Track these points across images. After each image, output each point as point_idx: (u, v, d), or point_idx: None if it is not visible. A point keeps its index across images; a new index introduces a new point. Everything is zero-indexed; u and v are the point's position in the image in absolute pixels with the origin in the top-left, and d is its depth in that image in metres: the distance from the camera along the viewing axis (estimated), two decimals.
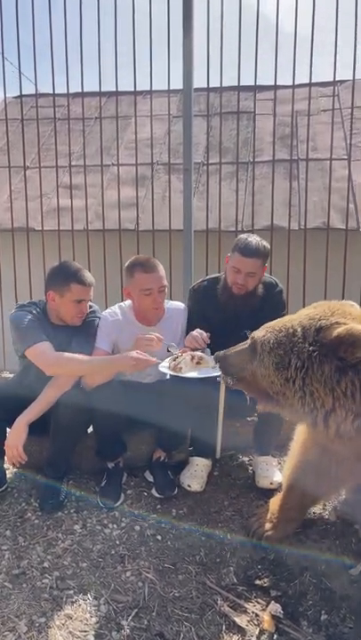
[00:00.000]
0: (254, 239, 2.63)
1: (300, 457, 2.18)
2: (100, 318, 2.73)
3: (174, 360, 2.44)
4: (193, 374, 2.37)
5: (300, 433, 2.21)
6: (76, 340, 2.61)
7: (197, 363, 2.43)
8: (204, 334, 2.55)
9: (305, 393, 1.68)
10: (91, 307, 2.72)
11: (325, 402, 1.65)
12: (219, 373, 2.34)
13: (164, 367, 2.44)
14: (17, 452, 2.37)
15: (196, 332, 2.56)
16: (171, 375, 2.42)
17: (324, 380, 1.63)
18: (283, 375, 1.73)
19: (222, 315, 2.67)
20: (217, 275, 2.90)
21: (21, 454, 2.38)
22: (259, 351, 1.84)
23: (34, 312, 2.61)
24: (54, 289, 2.56)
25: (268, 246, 2.68)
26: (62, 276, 2.56)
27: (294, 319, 1.79)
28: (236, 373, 2.00)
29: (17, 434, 2.38)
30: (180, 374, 2.37)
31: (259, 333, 1.88)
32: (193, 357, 2.43)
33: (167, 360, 2.50)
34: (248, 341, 1.96)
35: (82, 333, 2.64)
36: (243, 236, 2.68)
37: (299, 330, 1.73)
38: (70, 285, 2.53)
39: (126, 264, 2.69)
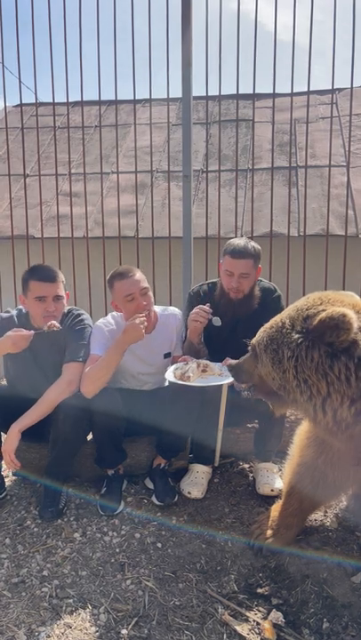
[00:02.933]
0: (243, 241, 2.65)
1: (298, 459, 2.18)
2: (91, 326, 2.69)
3: (180, 369, 2.44)
4: (201, 383, 2.37)
5: (299, 435, 2.20)
6: (69, 350, 2.59)
7: (203, 370, 2.43)
8: (206, 306, 2.56)
9: (300, 382, 1.67)
10: (79, 314, 2.68)
11: (320, 388, 1.64)
12: (225, 381, 2.35)
13: (171, 376, 2.43)
14: (9, 458, 2.36)
15: (197, 308, 2.57)
16: (179, 384, 2.40)
17: (315, 366, 1.62)
18: (280, 369, 1.73)
19: (221, 319, 2.68)
20: (216, 280, 2.90)
21: (14, 460, 2.37)
22: (258, 353, 1.86)
23: (5, 317, 2.63)
24: (22, 291, 2.58)
25: (259, 247, 2.68)
26: (25, 277, 2.57)
27: (284, 313, 1.82)
28: (247, 381, 2.02)
29: (9, 440, 2.37)
30: (188, 383, 2.36)
31: (256, 337, 1.91)
32: (199, 365, 2.43)
33: (171, 369, 2.49)
34: (250, 351, 2.00)
35: (73, 341, 2.60)
36: (232, 239, 2.71)
37: (287, 322, 1.74)
38: (29, 283, 2.52)
39: (107, 279, 2.68)
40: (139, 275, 2.60)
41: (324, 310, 1.64)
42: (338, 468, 2.00)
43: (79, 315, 2.69)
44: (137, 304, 2.56)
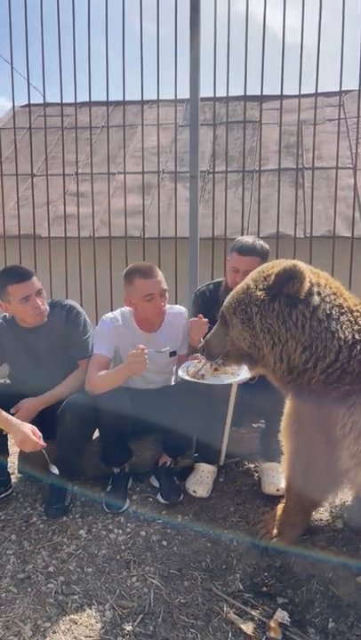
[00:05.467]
0: (251, 238, 2.69)
1: (287, 450, 2.20)
2: (82, 314, 2.72)
3: (194, 367, 2.45)
4: (214, 381, 2.37)
5: (283, 427, 2.21)
6: (78, 348, 2.64)
7: (215, 369, 2.43)
8: (200, 319, 2.61)
9: (265, 332, 1.82)
10: (71, 307, 2.70)
11: (280, 335, 1.79)
12: (238, 379, 2.35)
13: (184, 374, 2.43)
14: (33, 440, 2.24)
15: (193, 320, 2.63)
16: (189, 381, 2.40)
17: (276, 315, 1.79)
18: (249, 326, 1.87)
19: None
20: (221, 279, 2.91)
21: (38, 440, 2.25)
22: (228, 318, 1.96)
23: None
24: (0, 299, 2.56)
25: (267, 246, 2.69)
26: (0, 284, 2.53)
27: (248, 278, 1.96)
28: (220, 352, 2.09)
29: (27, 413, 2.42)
30: (202, 381, 2.37)
31: (224, 304, 2.01)
32: (212, 364, 2.44)
33: (184, 366, 2.49)
34: (218, 322, 2.09)
35: (78, 337, 2.65)
36: (241, 237, 2.73)
37: (251, 284, 1.90)
38: (7, 288, 2.51)
39: (124, 272, 2.66)
40: (161, 275, 2.61)
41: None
42: (321, 446, 2.01)
43: (72, 308, 2.70)
44: (155, 304, 2.57)
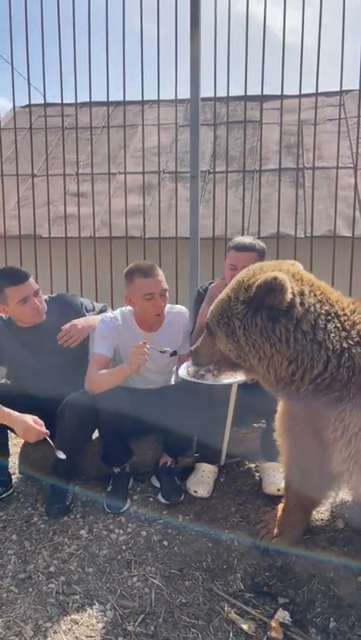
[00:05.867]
0: (248, 237, 2.72)
1: (282, 449, 2.19)
2: (73, 297, 2.82)
3: (194, 367, 2.44)
4: (214, 381, 2.37)
5: (277, 427, 2.21)
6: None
7: None
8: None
9: (250, 347, 1.78)
10: (55, 297, 2.76)
11: (265, 350, 1.75)
12: (238, 379, 2.35)
13: (184, 373, 2.43)
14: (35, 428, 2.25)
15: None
16: (190, 381, 2.40)
17: (259, 330, 1.74)
18: (233, 339, 1.84)
19: None
20: (223, 278, 2.91)
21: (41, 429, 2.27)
22: (213, 330, 1.93)
23: None
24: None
25: (264, 245, 2.70)
26: None
27: (228, 287, 1.90)
28: (209, 361, 2.09)
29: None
30: (202, 381, 2.36)
31: (208, 315, 1.97)
32: None
33: (184, 366, 2.49)
34: (204, 331, 2.06)
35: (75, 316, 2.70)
36: (238, 237, 2.77)
37: (232, 295, 1.84)
38: (5, 291, 2.51)
39: (125, 271, 2.67)
40: (161, 275, 2.61)
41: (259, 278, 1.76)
42: (314, 446, 2.00)
43: (60, 296, 2.78)
44: (154, 304, 2.57)
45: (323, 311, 1.73)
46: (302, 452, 2.08)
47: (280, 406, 2.17)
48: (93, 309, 2.88)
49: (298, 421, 2.05)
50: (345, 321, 1.75)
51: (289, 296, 1.69)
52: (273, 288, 1.67)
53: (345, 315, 1.76)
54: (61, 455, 2.35)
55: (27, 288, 2.53)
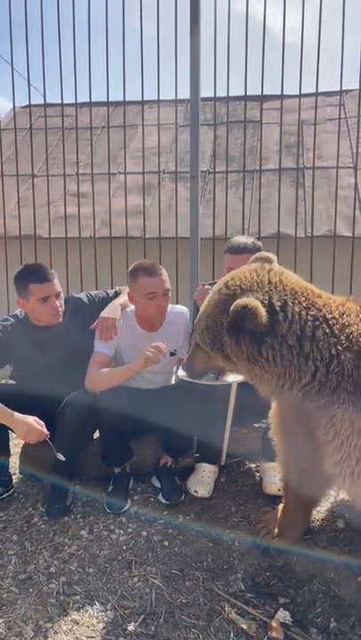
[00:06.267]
0: (242, 237, 2.70)
1: (278, 448, 2.18)
2: (80, 296, 2.83)
3: None
4: (212, 381, 2.37)
5: (272, 426, 2.21)
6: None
7: None
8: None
9: (241, 367, 1.81)
10: (67, 298, 2.76)
11: (255, 371, 1.75)
12: (238, 379, 2.34)
13: (183, 374, 2.43)
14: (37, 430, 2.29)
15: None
16: (189, 381, 2.39)
17: (247, 356, 1.72)
18: (230, 362, 1.84)
19: None
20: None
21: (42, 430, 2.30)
22: (206, 351, 1.92)
23: (7, 325, 2.63)
24: (19, 296, 2.59)
25: (260, 243, 2.69)
26: (21, 281, 2.57)
27: (211, 311, 1.85)
28: (203, 373, 2.13)
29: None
30: (201, 382, 2.36)
31: (196, 337, 1.95)
32: None
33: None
34: (194, 346, 2.05)
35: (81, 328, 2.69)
36: (233, 238, 2.75)
37: (218, 320, 1.80)
38: (29, 287, 2.53)
39: (129, 269, 2.68)
40: (165, 275, 2.61)
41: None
42: (307, 445, 1.99)
43: (71, 298, 2.78)
44: (157, 303, 2.57)
45: (309, 318, 1.70)
46: (297, 451, 2.07)
47: (274, 404, 2.16)
48: (107, 297, 2.89)
49: (291, 421, 2.05)
50: (334, 325, 1.71)
51: (265, 318, 1.65)
52: (246, 316, 1.64)
53: (334, 318, 1.72)
54: (61, 457, 2.36)
55: (50, 288, 2.55)
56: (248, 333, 1.69)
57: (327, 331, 1.69)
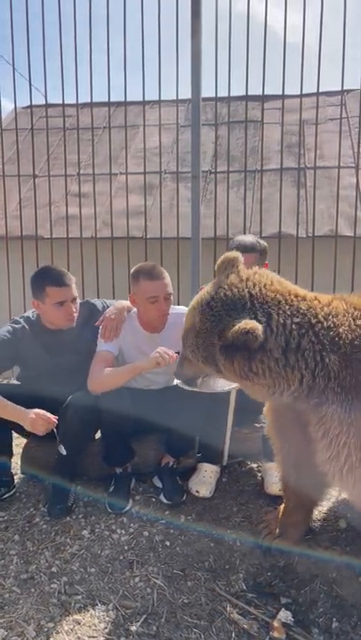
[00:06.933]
0: (248, 236, 2.70)
1: (275, 447, 2.19)
2: (94, 302, 2.83)
3: None
4: (209, 388, 2.36)
5: (267, 425, 2.22)
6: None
7: None
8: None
9: (236, 382, 1.89)
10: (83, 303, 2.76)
11: (246, 385, 1.82)
12: (234, 386, 2.34)
13: (181, 383, 2.42)
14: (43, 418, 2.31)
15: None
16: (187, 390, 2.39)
17: (237, 373, 1.75)
18: (217, 370, 1.85)
19: None
20: None
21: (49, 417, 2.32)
22: (201, 365, 1.93)
23: (17, 328, 2.63)
24: (35, 297, 2.58)
25: (265, 243, 2.70)
26: (38, 283, 2.56)
27: (199, 331, 1.83)
28: (196, 378, 2.15)
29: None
30: (199, 389, 2.35)
31: (187, 353, 1.95)
32: None
33: None
34: (185, 359, 2.03)
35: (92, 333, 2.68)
36: (238, 236, 2.75)
37: (208, 341, 1.79)
38: (46, 290, 2.52)
39: (132, 271, 2.67)
40: (167, 278, 2.61)
41: (233, 326, 1.68)
42: (302, 442, 2.00)
43: (86, 304, 2.78)
44: (158, 307, 2.56)
45: (294, 327, 1.69)
46: (293, 449, 2.08)
47: (267, 403, 2.17)
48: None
49: (284, 418, 2.06)
50: (319, 330, 1.70)
51: (260, 339, 1.65)
52: (247, 340, 1.64)
53: (319, 322, 1.71)
54: (63, 451, 2.38)
55: (67, 293, 2.55)
56: (241, 351, 1.70)
57: (313, 339, 1.69)
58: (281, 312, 1.71)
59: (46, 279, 2.55)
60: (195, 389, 2.33)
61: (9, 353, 2.59)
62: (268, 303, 1.72)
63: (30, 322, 2.69)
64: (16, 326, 2.65)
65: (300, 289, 1.84)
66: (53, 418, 2.33)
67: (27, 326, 2.66)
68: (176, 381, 2.47)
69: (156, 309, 2.57)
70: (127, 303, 2.76)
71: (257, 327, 1.64)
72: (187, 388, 2.35)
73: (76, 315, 2.63)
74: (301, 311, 1.72)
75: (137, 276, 2.59)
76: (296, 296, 1.77)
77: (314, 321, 1.71)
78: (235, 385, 2.33)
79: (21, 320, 2.69)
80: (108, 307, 2.82)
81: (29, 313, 2.75)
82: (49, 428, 2.31)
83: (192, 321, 1.88)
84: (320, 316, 1.72)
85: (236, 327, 1.65)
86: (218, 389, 2.36)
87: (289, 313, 1.71)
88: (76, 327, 2.67)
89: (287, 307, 1.72)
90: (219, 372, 1.85)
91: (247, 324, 1.65)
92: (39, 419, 2.30)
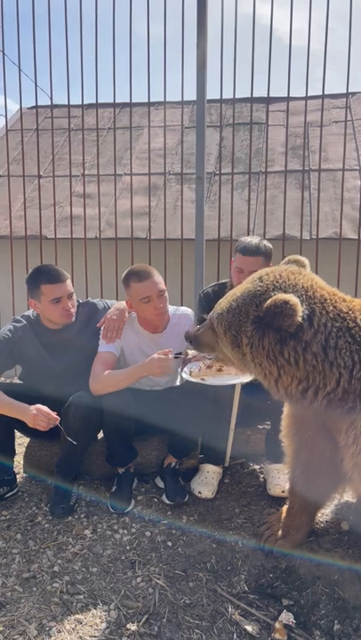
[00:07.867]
0: (255, 239, 2.68)
1: (287, 449, 2.18)
2: (98, 303, 2.81)
3: (198, 368, 2.45)
4: (216, 382, 2.37)
5: (283, 426, 2.20)
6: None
7: (219, 370, 2.43)
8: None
9: (256, 364, 1.77)
10: (87, 303, 2.77)
11: (271, 371, 1.73)
12: (242, 380, 2.35)
13: (186, 374, 2.43)
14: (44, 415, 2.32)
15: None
16: (194, 382, 2.40)
17: (266, 353, 1.70)
18: (239, 352, 1.80)
19: None
20: (226, 280, 2.91)
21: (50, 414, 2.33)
22: (218, 333, 1.88)
23: (18, 327, 2.64)
24: (31, 296, 2.59)
25: (270, 245, 2.69)
26: (33, 282, 2.57)
27: (239, 295, 1.82)
28: (208, 352, 2.06)
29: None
30: (205, 382, 2.36)
31: (214, 315, 1.91)
32: (213, 365, 2.43)
33: (187, 367, 2.49)
34: (207, 323, 1.99)
35: (93, 333, 2.68)
36: (244, 237, 2.74)
37: (243, 308, 1.78)
38: (41, 288, 2.53)
39: (122, 277, 2.67)
40: (156, 276, 2.59)
41: (270, 296, 1.69)
42: (321, 447, 1.99)
43: (88, 304, 2.78)
44: (153, 305, 2.56)
45: (334, 329, 1.69)
46: (309, 453, 2.06)
47: (286, 408, 2.16)
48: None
49: (306, 422, 2.04)
50: (356, 333, 1.71)
51: (298, 320, 1.64)
52: (283, 312, 1.62)
53: (357, 326, 1.72)
54: (73, 442, 2.39)
55: (62, 289, 2.56)
56: (274, 330, 1.68)
57: (349, 340, 1.69)
58: (325, 312, 1.71)
59: (40, 277, 2.55)
60: (200, 382, 2.34)
61: (9, 352, 2.60)
62: (315, 298, 1.73)
63: (30, 320, 2.70)
64: (17, 325, 2.66)
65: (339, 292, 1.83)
66: (54, 415, 2.34)
67: (28, 325, 2.67)
68: (183, 374, 2.47)
69: (152, 308, 2.57)
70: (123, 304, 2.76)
71: (297, 302, 1.63)
72: (193, 380, 2.36)
73: (73, 310, 2.63)
74: (342, 315, 1.72)
75: (127, 280, 2.60)
76: (338, 297, 1.78)
77: (352, 324, 1.71)
78: (241, 380, 2.34)
79: (22, 319, 2.70)
80: (108, 307, 2.82)
81: (29, 312, 2.76)
82: (50, 424, 2.32)
83: (237, 288, 1.86)
84: (358, 320, 1.72)
85: (273, 298, 1.66)
86: (223, 383, 2.36)
87: (332, 315, 1.71)
88: (77, 327, 2.67)
89: (331, 307, 1.73)
90: (236, 346, 1.79)
91: (287, 296, 1.64)
92: (40, 414, 2.31)
